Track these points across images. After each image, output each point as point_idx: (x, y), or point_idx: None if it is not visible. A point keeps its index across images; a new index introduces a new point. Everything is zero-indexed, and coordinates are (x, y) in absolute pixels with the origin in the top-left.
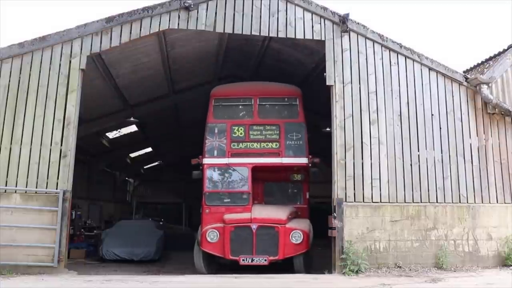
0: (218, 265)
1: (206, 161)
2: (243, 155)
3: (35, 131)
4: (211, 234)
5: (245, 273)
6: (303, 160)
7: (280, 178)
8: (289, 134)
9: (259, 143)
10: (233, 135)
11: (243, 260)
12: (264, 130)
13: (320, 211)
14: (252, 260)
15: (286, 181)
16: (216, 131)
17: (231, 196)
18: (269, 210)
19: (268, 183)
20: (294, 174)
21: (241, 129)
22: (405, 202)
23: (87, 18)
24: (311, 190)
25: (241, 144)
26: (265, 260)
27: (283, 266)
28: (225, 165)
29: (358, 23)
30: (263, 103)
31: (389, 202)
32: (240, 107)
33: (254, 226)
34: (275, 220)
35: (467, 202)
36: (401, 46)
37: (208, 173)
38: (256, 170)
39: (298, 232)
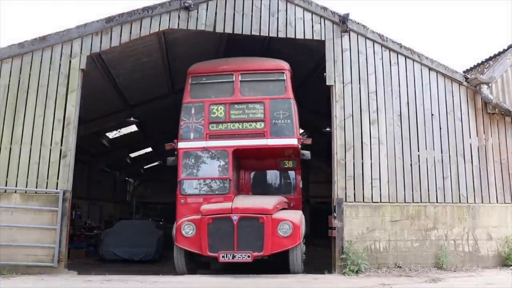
0: (201, 265)
1: (181, 145)
2: (223, 137)
3: (35, 131)
4: (186, 227)
5: (238, 273)
6: (292, 141)
7: (269, 166)
8: (276, 112)
9: (241, 124)
10: (212, 115)
11: (222, 256)
12: (247, 109)
13: (320, 211)
14: (234, 257)
15: (276, 169)
16: (192, 111)
17: (210, 184)
18: (253, 200)
19: (256, 172)
20: (285, 160)
21: (220, 109)
22: (405, 202)
23: (87, 18)
24: (311, 189)
25: (220, 125)
26: (249, 256)
27: (271, 266)
28: (202, 149)
29: (358, 23)
30: (246, 79)
31: (389, 202)
32: (220, 84)
33: (235, 217)
34: (259, 209)
35: (467, 202)
36: (401, 46)
37: (183, 158)
38: (241, 157)
39: (286, 223)
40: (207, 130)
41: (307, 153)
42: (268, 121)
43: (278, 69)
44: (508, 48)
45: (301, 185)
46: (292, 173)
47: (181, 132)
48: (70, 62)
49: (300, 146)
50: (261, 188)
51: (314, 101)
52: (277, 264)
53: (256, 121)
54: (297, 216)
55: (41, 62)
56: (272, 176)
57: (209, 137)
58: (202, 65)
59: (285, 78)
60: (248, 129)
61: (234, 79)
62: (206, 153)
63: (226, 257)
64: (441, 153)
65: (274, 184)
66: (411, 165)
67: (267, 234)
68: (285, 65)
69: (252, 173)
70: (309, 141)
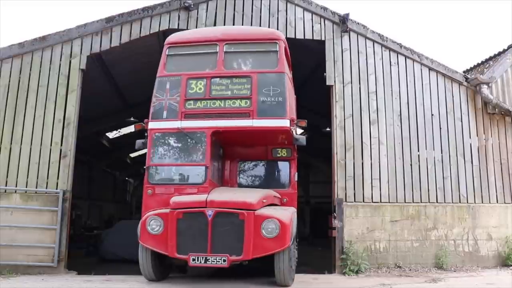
0: (175, 268)
1: (151, 125)
2: (201, 116)
3: (35, 131)
4: (152, 223)
5: (224, 277)
6: (283, 123)
7: (259, 155)
8: (265, 89)
9: (222, 101)
10: (190, 91)
11: (193, 259)
12: (231, 84)
13: (320, 211)
14: (206, 261)
15: (267, 159)
16: (167, 86)
17: (183, 171)
18: (233, 192)
19: (243, 162)
20: (278, 149)
21: (200, 84)
22: (405, 202)
23: (87, 18)
24: (311, 189)
25: (198, 102)
26: (224, 260)
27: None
28: (175, 130)
29: (358, 23)
30: (232, 50)
31: (389, 202)
32: (201, 56)
33: (209, 212)
34: (239, 203)
35: (467, 202)
36: (401, 46)
37: (153, 140)
38: (225, 143)
39: (272, 221)
40: (182, 108)
41: (301, 138)
42: (255, 98)
43: (270, 39)
44: (508, 48)
45: (296, 178)
46: (286, 164)
47: (153, 110)
48: (70, 62)
49: (293, 130)
50: (249, 180)
51: (314, 101)
52: (264, 269)
53: (241, 98)
54: (286, 214)
55: (41, 62)
56: (262, 167)
57: (184, 116)
58: (182, 34)
59: (277, 49)
60: (231, 107)
61: (218, 50)
62: (180, 135)
63: (197, 260)
64: (441, 153)
65: (264, 176)
66: (411, 165)
67: (248, 234)
68: (278, 34)
69: (239, 164)
70: (304, 123)
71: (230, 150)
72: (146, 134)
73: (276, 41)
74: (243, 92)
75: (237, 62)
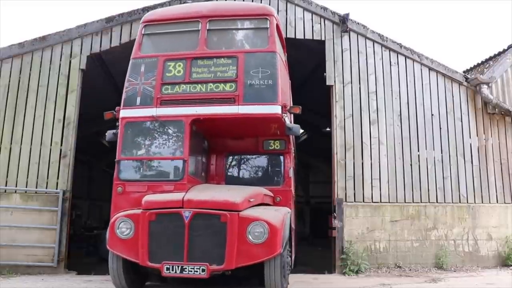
0: (152, 275)
1: (123, 113)
2: (180, 103)
3: (35, 131)
4: (122, 225)
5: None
6: (273, 109)
7: (249, 148)
8: (253, 70)
9: (204, 85)
10: (167, 74)
11: (167, 269)
12: (214, 65)
13: (320, 211)
14: (182, 270)
15: (258, 152)
16: (142, 69)
17: (158, 166)
18: (215, 190)
19: (231, 155)
20: (270, 140)
21: (179, 66)
22: (405, 202)
23: (87, 18)
24: (311, 189)
25: (177, 87)
26: (203, 270)
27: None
28: (150, 119)
29: (358, 23)
30: (215, 28)
31: (389, 202)
32: (182, 34)
33: (187, 214)
34: (221, 203)
35: (467, 202)
36: (401, 46)
37: (125, 131)
38: (210, 134)
39: (260, 224)
40: (158, 93)
41: (295, 127)
42: (241, 81)
43: (260, 15)
44: (508, 48)
45: (291, 174)
46: (279, 158)
47: (125, 96)
48: (70, 62)
49: (285, 117)
50: (238, 177)
51: (314, 101)
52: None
53: (225, 81)
54: (277, 215)
55: (41, 62)
56: (253, 161)
57: (160, 103)
58: (161, 11)
59: (268, 26)
60: (214, 92)
61: (200, 28)
62: (155, 125)
63: (172, 269)
64: (441, 153)
65: (255, 172)
66: (411, 165)
67: (231, 239)
68: (269, 9)
69: (227, 158)
70: (297, 110)
71: (216, 142)
72: (117, 124)
73: (267, 17)
74: (228, 75)
75: (221, 41)
